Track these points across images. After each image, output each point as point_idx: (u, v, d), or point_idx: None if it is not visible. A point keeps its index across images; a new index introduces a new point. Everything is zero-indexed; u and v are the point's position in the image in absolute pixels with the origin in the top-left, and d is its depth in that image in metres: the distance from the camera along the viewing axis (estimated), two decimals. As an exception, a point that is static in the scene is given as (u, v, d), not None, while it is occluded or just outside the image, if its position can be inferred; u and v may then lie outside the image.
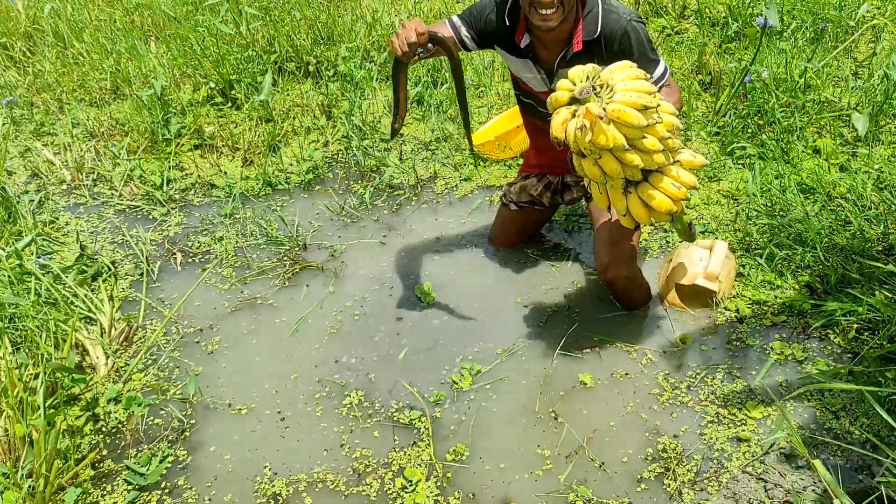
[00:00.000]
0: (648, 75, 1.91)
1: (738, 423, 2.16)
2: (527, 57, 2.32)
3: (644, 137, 1.87)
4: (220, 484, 2.12)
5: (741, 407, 2.21)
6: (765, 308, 2.53)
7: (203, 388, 2.43)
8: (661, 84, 2.22)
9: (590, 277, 2.76)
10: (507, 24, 2.29)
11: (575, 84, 1.87)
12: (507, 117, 3.46)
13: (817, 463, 1.70)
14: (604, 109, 1.82)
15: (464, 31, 2.37)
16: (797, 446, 1.86)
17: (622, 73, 1.88)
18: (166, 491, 2.11)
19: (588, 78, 1.87)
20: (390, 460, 2.14)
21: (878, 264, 2.36)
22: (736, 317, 2.52)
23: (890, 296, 2.27)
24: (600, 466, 2.08)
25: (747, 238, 2.79)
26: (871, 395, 1.88)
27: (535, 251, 2.90)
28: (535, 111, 2.53)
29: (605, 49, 2.20)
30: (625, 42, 2.17)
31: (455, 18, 2.38)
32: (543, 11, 2.10)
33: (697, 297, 2.56)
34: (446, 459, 2.14)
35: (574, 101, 1.87)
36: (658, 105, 1.86)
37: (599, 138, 1.82)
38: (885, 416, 1.76)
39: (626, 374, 2.36)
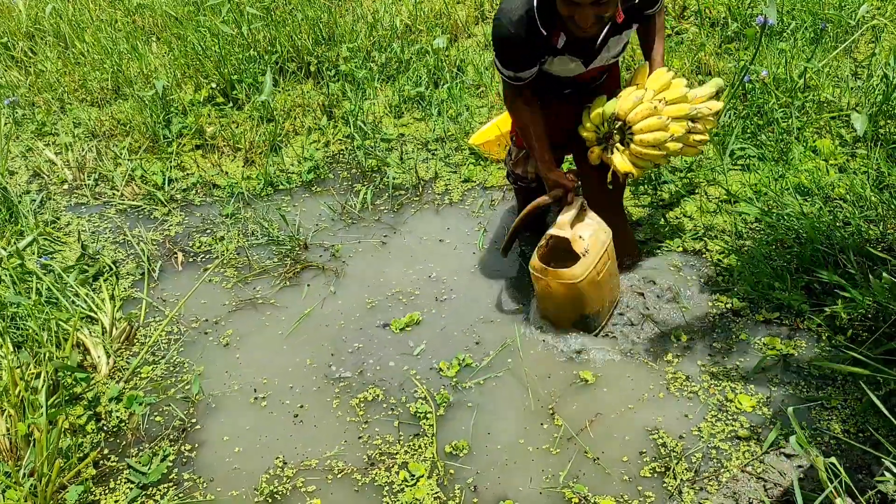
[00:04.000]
0: (666, 71, 2.36)
1: (738, 422, 2.16)
2: (564, 54, 2.27)
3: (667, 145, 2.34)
4: (223, 481, 2.13)
5: (741, 406, 2.21)
6: (764, 307, 2.53)
7: (204, 386, 2.44)
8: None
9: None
10: (545, 33, 2.18)
11: (598, 128, 2.39)
12: (508, 117, 3.47)
13: (819, 462, 1.70)
14: (627, 148, 2.36)
15: (523, 75, 2.27)
16: (796, 447, 1.86)
17: (633, 105, 2.31)
18: (168, 489, 2.11)
19: (605, 122, 2.36)
20: (393, 455, 2.15)
21: (883, 255, 2.37)
22: (735, 316, 2.53)
23: (889, 290, 2.27)
24: (599, 464, 2.09)
25: (746, 237, 2.79)
26: (871, 394, 1.88)
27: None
28: (550, 90, 2.46)
29: (637, 6, 2.26)
30: None
31: (523, 73, 2.26)
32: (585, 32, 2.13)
33: (561, 255, 2.43)
34: (447, 455, 2.14)
35: (601, 140, 2.41)
36: (668, 122, 2.30)
37: (635, 170, 2.38)
38: (886, 413, 1.77)
39: (625, 373, 2.37)
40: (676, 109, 2.32)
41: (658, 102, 2.30)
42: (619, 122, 2.35)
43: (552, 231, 2.39)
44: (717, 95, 2.45)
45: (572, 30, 2.12)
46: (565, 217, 2.38)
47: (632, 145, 2.33)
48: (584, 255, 2.33)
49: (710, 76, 3.72)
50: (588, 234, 2.37)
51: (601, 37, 2.23)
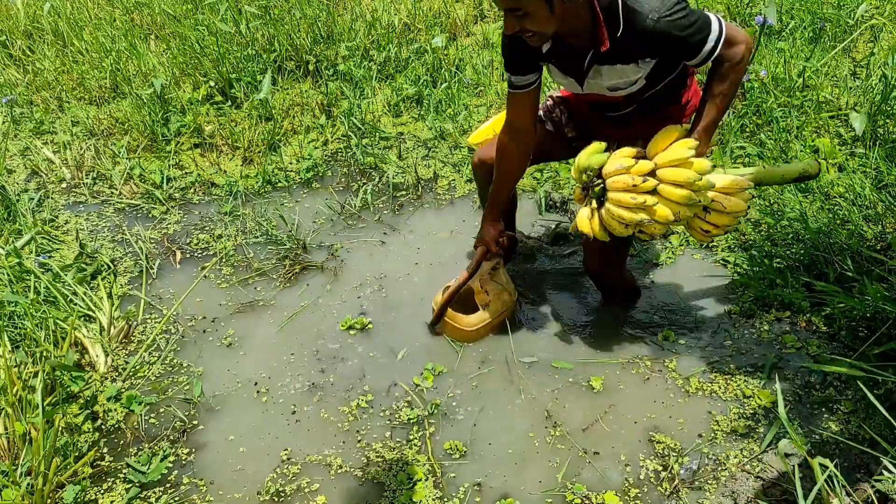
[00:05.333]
0: (687, 148, 2.01)
1: (737, 421, 2.16)
2: (551, 62, 2.16)
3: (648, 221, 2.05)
4: (223, 481, 2.13)
5: (739, 405, 2.21)
6: (763, 307, 2.53)
7: (205, 386, 2.43)
8: (718, 48, 1.98)
9: (586, 278, 2.76)
10: None
11: (580, 174, 2.11)
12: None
13: (815, 462, 1.70)
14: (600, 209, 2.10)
15: (514, 79, 2.18)
16: (796, 446, 1.86)
17: (615, 171, 2.04)
18: (167, 489, 2.11)
19: (587, 173, 2.09)
20: (391, 457, 2.15)
21: (880, 256, 2.37)
22: (734, 315, 2.53)
23: (887, 293, 2.27)
24: (598, 465, 2.09)
25: (746, 237, 2.79)
26: (869, 392, 1.88)
27: (532, 252, 2.90)
28: (597, 113, 2.34)
29: (636, 45, 1.98)
30: (656, 42, 1.95)
31: (515, 78, 2.18)
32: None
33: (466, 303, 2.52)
34: (445, 457, 2.14)
35: (584, 187, 2.14)
36: (646, 202, 2.01)
37: (598, 233, 2.14)
38: (884, 412, 1.77)
39: (624, 372, 2.37)
40: (670, 191, 2.03)
41: (644, 180, 2.01)
42: (599, 181, 2.09)
43: (461, 277, 2.49)
44: (798, 180, 2.17)
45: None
46: (481, 268, 2.48)
47: (603, 209, 2.09)
48: (482, 308, 2.47)
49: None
50: (493, 291, 2.48)
51: (587, 57, 2.05)
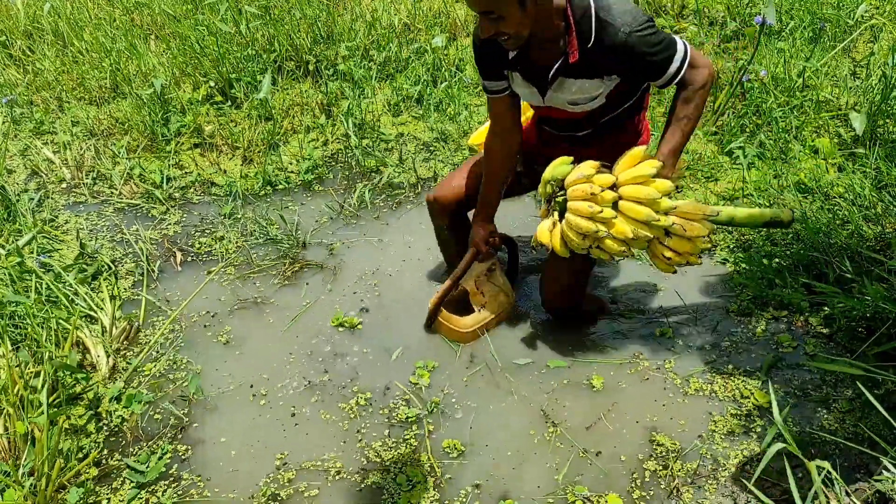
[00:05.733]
0: (652, 167, 2.00)
1: (737, 421, 2.16)
2: (515, 69, 2.14)
3: (605, 235, 2.03)
4: (221, 479, 2.13)
5: (738, 405, 2.22)
6: (762, 306, 2.53)
7: (204, 385, 2.44)
8: (683, 69, 2.02)
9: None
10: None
11: (545, 185, 2.10)
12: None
13: (812, 466, 1.71)
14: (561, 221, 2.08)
15: (488, 84, 2.19)
16: (793, 450, 1.86)
17: (576, 180, 2.03)
18: (167, 487, 2.11)
19: (550, 184, 2.08)
20: (390, 457, 2.15)
21: (879, 256, 2.37)
22: (733, 315, 2.53)
23: (887, 293, 2.28)
24: (598, 465, 2.09)
25: (746, 237, 2.80)
26: (868, 393, 1.89)
27: (532, 251, 2.91)
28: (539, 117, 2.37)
29: (604, 59, 2.00)
30: (627, 57, 1.97)
31: (487, 83, 2.20)
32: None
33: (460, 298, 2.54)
34: (444, 457, 2.14)
35: (548, 199, 2.12)
36: (603, 212, 1.99)
37: (556, 248, 2.11)
38: (883, 412, 1.77)
39: (623, 371, 2.37)
40: (630, 208, 2.02)
41: (602, 190, 2.00)
42: (562, 192, 2.08)
43: (452, 277, 2.48)
44: (768, 225, 2.14)
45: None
46: (475, 271, 2.48)
47: (563, 222, 2.08)
48: (478, 310, 2.48)
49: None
50: (489, 292, 2.48)
51: (554, 67, 2.04)
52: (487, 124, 3.30)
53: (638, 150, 2.07)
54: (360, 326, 2.63)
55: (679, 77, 2.03)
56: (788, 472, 1.71)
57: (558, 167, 2.07)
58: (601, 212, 1.98)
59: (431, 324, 2.55)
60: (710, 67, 2.07)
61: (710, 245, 2.10)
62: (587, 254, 2.11)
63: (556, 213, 2.11)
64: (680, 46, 2.02)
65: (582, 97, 2.09)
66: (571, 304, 2.50)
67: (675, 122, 2.09)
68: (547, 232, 2.11)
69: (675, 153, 2.11)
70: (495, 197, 2.39)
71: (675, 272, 2.17)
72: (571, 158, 2.09)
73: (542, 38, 2.00)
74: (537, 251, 2.44)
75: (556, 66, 2.05)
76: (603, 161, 2.09)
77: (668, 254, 2.09)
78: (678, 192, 2.03)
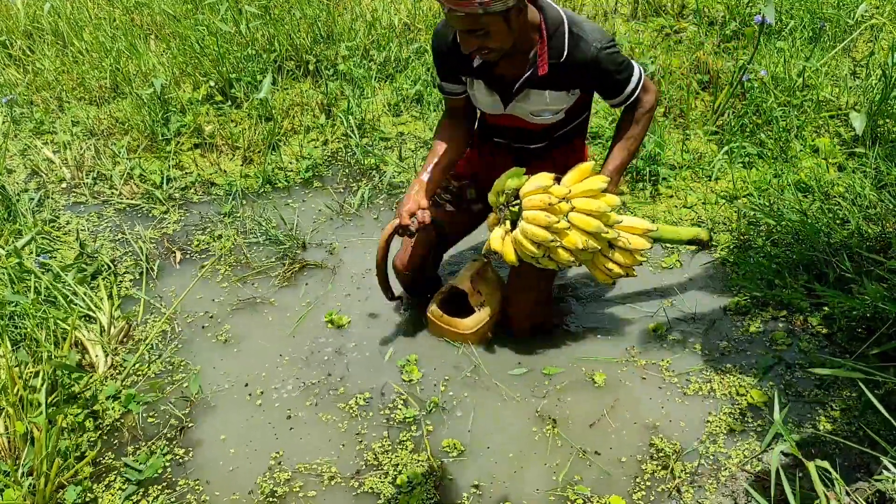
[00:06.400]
0: (601, 181, 2.07)
1: (737, 421, 2.16)
2: (479, 77, 2.15)
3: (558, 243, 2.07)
4: (220, 480, 2.13)
5: (739, 405, 2.21)
6: (762, 306, 2.53)
7: (203, 385, 2.43)
8: (637, 90, 2.14)
9: (583, 278, 2.77)
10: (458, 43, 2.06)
11: (497, 195, 2.11)
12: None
13: (811, 466, 1.70)
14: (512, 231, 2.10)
15: (446, 86, 2.22)
16: (792, 451, 1.86)
17: (533, 190, 2.05)
18: (165, 487, 2.11)
19: (506, 194, 2.10)
20: (390, 457, 2.15)
21: (879, 257, 2.37)
22: (734, 315, 2.53)
23: (887, 293, 2.28)
24: (598, 464, 2.09)
25: (745, 236, 2.80)
26: (869, 393, 1.88)
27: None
28: (486, 129, 2.37)
29: (572, 73, 2.07)
30: (594, 72, 2.06)
31: (444, 84, 2.24)
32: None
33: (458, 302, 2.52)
34: (444, 457, 2.14)
35: (499, 209, 2.14)
36: (562, 226, 2.03)
37: (508, 256, 2.12)
38: (884, 413, 1.77)
39: (623, 372, 2.37)
40: (582, 221, 2.08)
41: (560, 201, 2.04)
42: (517, 201, 2.11)
43: (453, 282, 2.50)
44: (690, 244, 2.28)
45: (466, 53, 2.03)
46: (468, 272, 2.48)
47: (516, 230, 2.11)
48: (478, 310, 2.47)
49: (709, 75, 3.71)
50: (486, 291, 2.49)
51: (522, 78, 2.08)
52: None
53: (586, 166, 2.13)
54: (356, 326, 2.62)
55: (633, 98, 2.14)
56: (782, 474, 1.71)
57: (512, 177, 2.10)
58: (558, 222, 2.03)
59: (390, 297, 2.50)
60: (658, 93, 2.20)
61: (645, 259, 2.20)
62: (537, 262, 2.14)
63: (507, 223, 2.14)
64: (636, 69, 2.13)
65: (546, 109, 2.15)
66: (543, 315, 2.52)
67: (623, 140, 2.19)
68: (500, 240, 2.14)
69: (619, 171, 2.20)
70: (438, 175, 2.29)
71: (613, 284, 2.28)
72: (524, 169, 2.11)
73: (515, 50, 2.03)
74: (489, 260, 2.49)
75: (524, 78, 2.09)
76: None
77: (611, 265, 2.19)
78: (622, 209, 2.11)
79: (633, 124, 2.18)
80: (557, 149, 2.32)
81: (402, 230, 2.26)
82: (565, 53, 2.03)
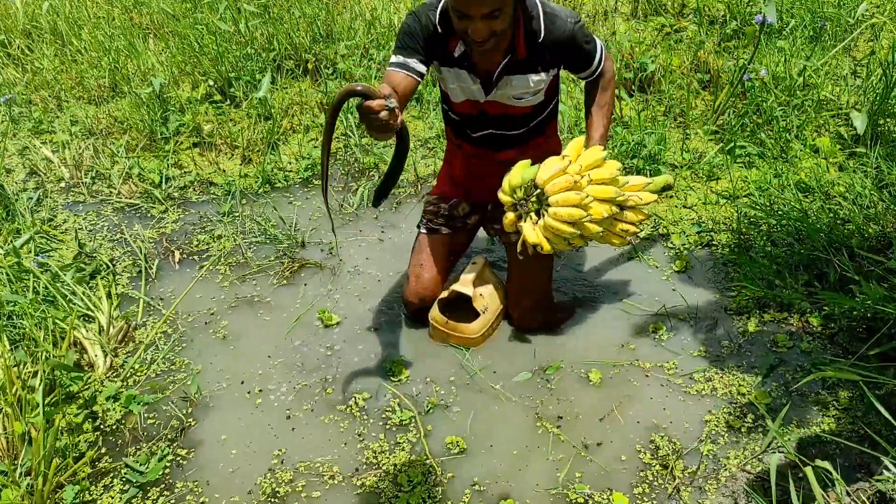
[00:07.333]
0: (601, 150, 2.16)
1: (737, 421, 2.16)
2: (461, 67, 2.17)
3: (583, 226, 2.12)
4: (221, 480, 2.12)
5: (738, 405, 2.21)
6: (762, 307, 2.53)
7: (202, 385, 2.43)
8: (603, 61, 2.24)
9: (582, 278, 2.76)
10: (440, 31, 2.12)
11: (514, 192, 2.12)
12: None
13: (809, 472, 1.70)
14: (541, 220, 2.10)
15: (412, 62, 2.12)
16: (789, 456, 1.86)
17: (553, 175, 2.07)
18: (166, 488, 2.11)
19: (522, 188, 2.10)
20: (389, 457, 2.14)
21: (879, 258, 2.36)
22: (735, 315, 2.53)
23: (887, 292, 2.27)
24: (599, 462, 2.08)
25: (745, 236, 2.79)
26: (870, 393, 1.88)
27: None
28: (462, 131, 2.39)
29: (549, 53, 2.15)
30: (570, 48, 2.15)
31: (395, 59, 2.13)
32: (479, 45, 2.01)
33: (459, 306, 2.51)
34: (445, 455, 2.14)
35: (516, 207, 2.13)
36: (589, 199, 2.08)
37: (546, 244, 2.12)
38: (887, 415, 1.77)
39: (624, 371, 2.37)
40: (601, 190, 2.12)
41: (581, 177, 2.09)
42: (537, 191, 2.10)
43: (455, 287, 2.47)
44: (662, 191, 2.31)
45: (471, 45, 2.05)
46: (469, 275, 2.48)
47: (545, 217, 2.10)
48: (482, 313, 2.47)
49: (710, 74, 3.71)
50: (488, 292, 2.50)
51: (501, 64, 2.13)
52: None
53: (580, 140, 2.22)
54: (355, 326, 2.62)
55: (600, 68, 2.24)
56: (772, 473, 1.71)
57: (526, 170, 2.11)
58: (586, 197, 2.08)
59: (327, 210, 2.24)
60: (612, 59, 2.28)
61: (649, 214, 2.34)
62: (567, 244, 2.16)
63: (532, 215, 2.14)
64: (598, 40, 2.24)
65: (527, 91, 2.21)
66: (548, 312, 2.53)
67: (598, 109, 2.29)
68: (533, 232, 2.11)
69: (604, 138, 2.29)
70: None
71: (629, 244, 2.36)
72: (530, 161, 2.13)
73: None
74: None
75: (503, 64, 2.15)
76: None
77: (625, 226, 2.25)
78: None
79: (602, 91, 2.28)
80: (535, 136, 2.39)
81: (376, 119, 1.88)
82: (542, 33, 2.11)
